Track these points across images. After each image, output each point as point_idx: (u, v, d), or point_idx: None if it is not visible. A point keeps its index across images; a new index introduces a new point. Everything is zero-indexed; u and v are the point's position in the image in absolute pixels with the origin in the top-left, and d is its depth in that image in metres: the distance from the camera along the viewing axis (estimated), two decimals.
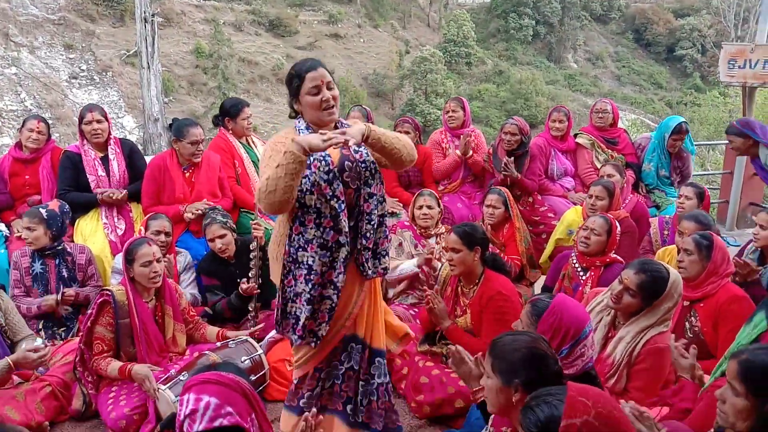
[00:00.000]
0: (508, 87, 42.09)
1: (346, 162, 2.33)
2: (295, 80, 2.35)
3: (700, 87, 42.30)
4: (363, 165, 2.35)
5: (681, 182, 5.16)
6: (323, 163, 2.28)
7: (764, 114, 16.34)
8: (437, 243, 4.10)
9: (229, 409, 1.69)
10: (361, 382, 2.52)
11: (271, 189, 2.13)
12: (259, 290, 3.63)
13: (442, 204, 4.83)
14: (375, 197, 2.38)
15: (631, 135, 5.49)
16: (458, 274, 3.26)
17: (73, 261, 3.68)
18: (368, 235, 2.37)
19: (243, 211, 4.36)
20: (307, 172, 2.28)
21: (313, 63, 2.35)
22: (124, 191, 4.14)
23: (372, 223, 2.37)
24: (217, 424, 1.66)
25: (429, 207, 4.05)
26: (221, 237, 3.70)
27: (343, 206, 2.28)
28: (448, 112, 5.00)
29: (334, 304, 2.36)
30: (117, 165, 4.19)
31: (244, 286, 3.56)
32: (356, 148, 2.35)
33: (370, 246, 2.38)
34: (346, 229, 2.30)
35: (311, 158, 2.25)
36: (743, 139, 4.51)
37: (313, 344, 2.40)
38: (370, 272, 2.41)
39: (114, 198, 4.07)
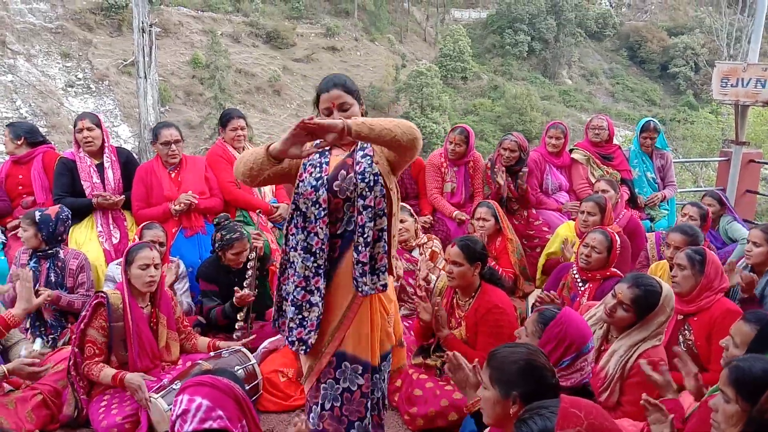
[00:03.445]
0: (503, 102, 42.39)
1: (341, 171, 2.29)
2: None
3: (693, 104, 42.77)
4: (360, 176, 2.26)
5: (662, 180, 5.46)
6: (317, 169, 2.29)
7: (756, 132, 16.52)
8: (420, 254, 4.09)
9: (220, 413, 1.71)
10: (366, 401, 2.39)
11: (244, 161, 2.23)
12: (254, 298, 3.62)
13: (438, 217, 4.87)
14: (370, 210, 2.26)
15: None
16: (456, 286, 3.26)
17: (63, 267, 3.66)
18: (360, 248, 2.26)
19: (242, 221, 4.34)
20: (305, 175, 2.29)
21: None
22: (121, 197, 4.15)
23: (365, 236, 2.26)
24: (206, 426, 1.68)
25: (402, 221, 4.00)
26: (246, 251, 3.73)
27: (322, 214, 2.25)
28: (451, 143, 4.88)
29: (320, 313, 2.29)
30: (112, 173, 4.20)
31: (238, 294, 3.55)
32: (358, 159, 2.29)
33: (364, 260, 2.27)
34: (323, 237, 2.26)
35: (307, 163, 2.30)
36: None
37: (302, 352, 2.35)
38: (365, 288, 2.29)
39: (109, 201, 4.07)
